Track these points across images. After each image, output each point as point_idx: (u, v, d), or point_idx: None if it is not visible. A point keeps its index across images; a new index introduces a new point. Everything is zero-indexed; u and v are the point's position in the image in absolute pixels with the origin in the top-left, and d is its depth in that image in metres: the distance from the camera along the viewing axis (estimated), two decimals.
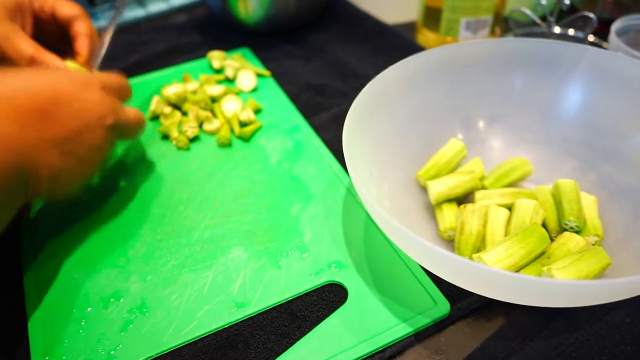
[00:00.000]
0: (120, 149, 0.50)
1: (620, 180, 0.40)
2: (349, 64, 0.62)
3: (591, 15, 0.60)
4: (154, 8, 0.77)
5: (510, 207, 0.39)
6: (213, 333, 0.34)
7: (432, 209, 0.41)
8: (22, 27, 0.45)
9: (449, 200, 0.40)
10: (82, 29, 0.47)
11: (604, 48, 0.61)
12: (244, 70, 0.59)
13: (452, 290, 0.36)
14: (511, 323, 0.34)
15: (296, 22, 0.68)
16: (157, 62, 0.64)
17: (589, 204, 0.38)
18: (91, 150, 0.38)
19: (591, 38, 0.64)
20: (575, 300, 0.28)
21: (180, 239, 0.41)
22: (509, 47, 0.43)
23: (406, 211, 0.40)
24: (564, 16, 0.63)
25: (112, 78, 0.42)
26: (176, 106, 0.55)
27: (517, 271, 0.34)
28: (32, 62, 0.43)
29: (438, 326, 0.34)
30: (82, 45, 0.47)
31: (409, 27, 0.72)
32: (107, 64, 0.51)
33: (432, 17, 0.63)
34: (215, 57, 0.61)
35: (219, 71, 0.61)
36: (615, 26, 0.53)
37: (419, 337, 0.34)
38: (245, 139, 0.51)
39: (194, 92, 0.55)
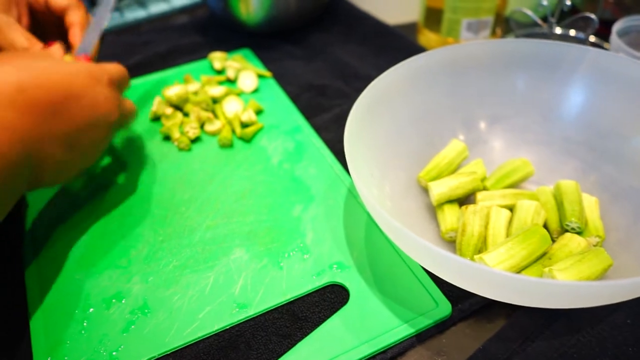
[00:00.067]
0: (120, 149, 0.50)
1: (621, 181, 0.40)
2: (350, 64, 0.62)
3: (592, 16, 0.60)
4: (155, 9, 0.77)
5: (511, 208, 0.39)
6: (215, 334, 0.34)
7: (433, 210, 0.41)
8: (17, 19, 0.44)
9: (451, 201, 0.40)
10: (75, 19, 0.46)
11: (605, 49, 0.61)
12: (245, 71, 0.59)
13: (453, 291, 0.36)
14: (512, 324, 0.34)
15: (297, 23, 0.68)
16: (158, 63, 0.64)
17: (591, 205, 0.38)
18: (94, 144, 0.39)
19: (592, 39, 0.64)
20: (576, 301, 0.28)
21: (182, 239, 0.41)
22: (510, 48, 0.43)
23: (407, 212, 0.40)
24: (565, 17, 0.63)
25: (117, 70, 0.42)
26: (177, 107, 0.55)
27: (519, 272, 0.34)
28: None
29: (439, 327, 0.34)
30: (75, 35, 0.46)
31: (410, 28, 0.72)
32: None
33: (433, 17, 0.63)
34: (217, 58, 0.61)
35: (220, 72, 0.61)
36: (616, 27, 0.53)
37: (420, 338, 0.34)
38: (247, 139, 0.51)
39: (196, 93, 0.55)
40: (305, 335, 0.34)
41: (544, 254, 0.35)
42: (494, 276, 0.27)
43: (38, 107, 0.33)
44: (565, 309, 0.35)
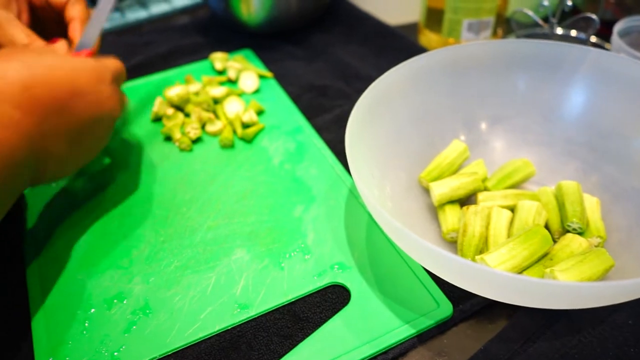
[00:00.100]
0: (122, 150, 0.50)
1: (623, 182, 0.40)
2: (351, 65, 0.62)
3: (593, 16, 0.60)
4: (156, 9, 0.77)
5: (512, 209, 0.39)
6: (216, 334, 0.34)
7: (434, 211, 0.41)
8: (17, 15, 0.44)
9: (452, 202, 0.40)
10: (75, 13, 0.45)
11: (607, 49, 0.61)
12: (246, 71, 0.59)
13: (454, 292, 0.36)
14: (514, 325, 0.34)
15: (298, 24, 0.68)
16: (159, 64, 0.64)
17: (592, 205, 0.38)
18: (97, 140, 0.39)
19: (593, 39, 0.64)
20: (578, 302, 0.28)
21: (183, 240, 0.41)
22: (511, 48, 0.43)
23: (408, 213, 0.40)
24: (566, 17, 0.63)
25: (117, 66, 0.42)
26: (179, 108, 0.55)
27: (520, 273, 0.34)
28: None
29: (441, 328, 0.34)
30: (75, 30, 0.45)
31: (411, 28, 0.72)
32: None
33: (434, 18, 0.63)
34: (218, 59, 0.61)
35: (221, 72, 0.61)
36: (617, 27, 0.53)
37: (421, 338, 0.34)
38: (248, 140, 0.51)
39: (197, 94, 0.55)
40: (307, 336, 0.34)
41: (545, 255, 0.35)
42: (495, 277, 0.27)
43: (43, 104, 0.33)
44: (566, 310, 0.35)
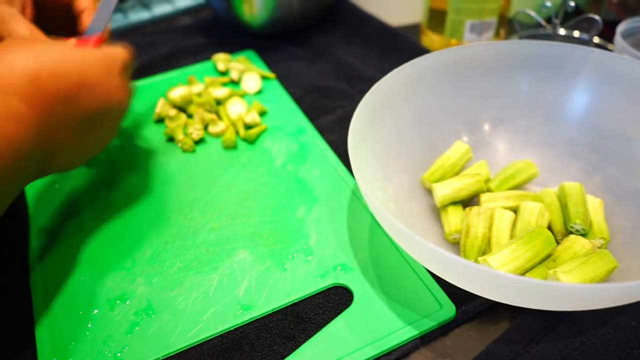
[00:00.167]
0: (124, 150, 0.50)
1: (626, 183, 0.40)
2: (354, 66, 0.62)
3: (596, 17, 0.60)
4: (159, 11, 0.77)
5: (515, 210, 0.39)
6: (219, 335, 0.34)
7: (437, 212, 0.41)
8: (21, 10, 0.43)
9: (455, 203, 0.40)
10: (84, 3, 0.44)
11: (610, 50, 0.61)
12: (249, 72, 0.59)
13: (457, 293, 0.36)
14: (517, 326, 0.34)
15: (300, 24, 0.68)
16: (162, 65, 0.64)
17: (595, 206, 0.38)
18: (105, 132, 0.38)
19: (596, 40, 0.64)
20: (581, 303, 0.28)
21: (186, 241, 0.41)
22: (513, 49, 0.43)
23: (411, 214, 0.40)
24: (569, 18, 0.63)
25: (125, 56, 0.41)
26: (181, 109, 0.55)
27: (523, 274, 0.34)
28: None
29: (443, 329, 0.34)
30: (86, 22, 0.44)
31: (414, 29, 0.72)
32: None
33: (436, 19, 0.63)
34: (220, 60, 0.61)
35: (224, 73, 0.61)
36: (620, 28, 0.53)
37: (424, 340, 0.34)
38: (250, 141, 0.51)
39: (199, 95, 0.55)
40: (310, 337, 0.34)
41: (548, 256, 0.35)
42: (498, 278, 0.27)
43: (50, 96, 0.33)
44: (569, 311, 0.35)
